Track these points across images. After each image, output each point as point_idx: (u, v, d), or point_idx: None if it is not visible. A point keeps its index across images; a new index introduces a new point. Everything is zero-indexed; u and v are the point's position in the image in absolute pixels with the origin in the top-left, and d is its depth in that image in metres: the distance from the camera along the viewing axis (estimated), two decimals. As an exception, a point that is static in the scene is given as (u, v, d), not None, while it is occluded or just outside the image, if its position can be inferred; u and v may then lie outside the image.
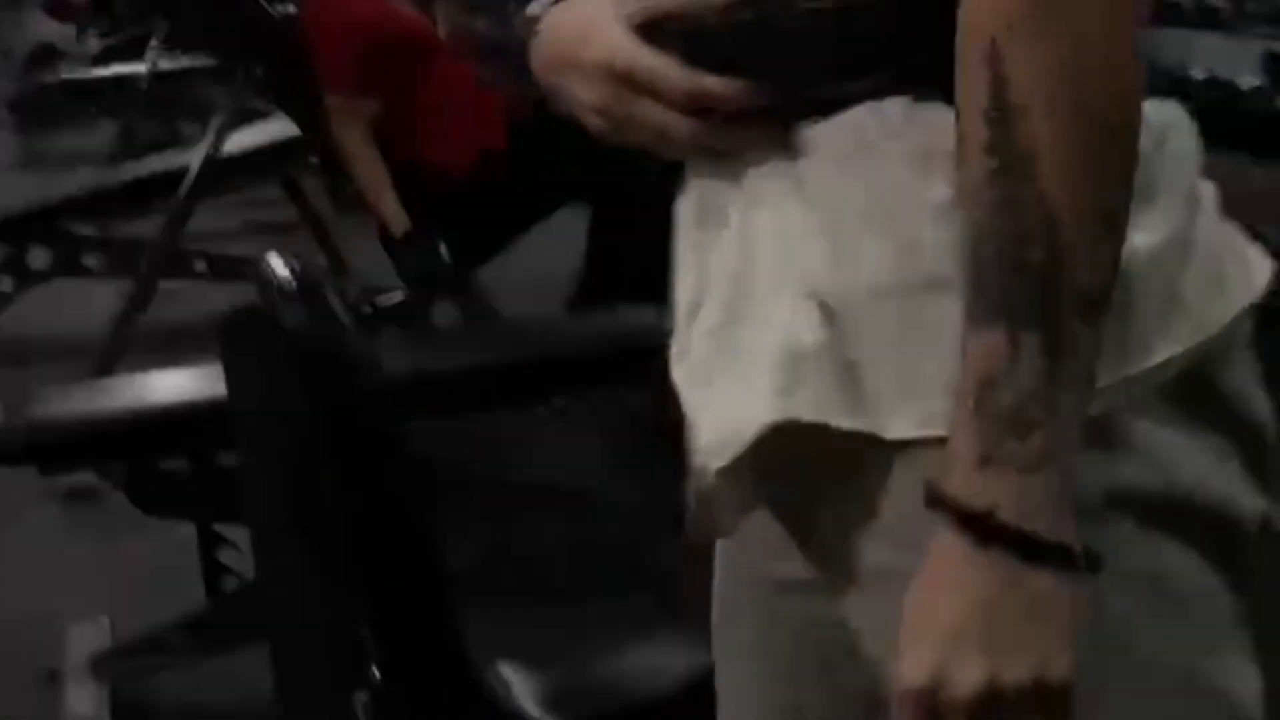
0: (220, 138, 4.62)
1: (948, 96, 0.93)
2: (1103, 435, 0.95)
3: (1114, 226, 0.91)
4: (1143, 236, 0.96)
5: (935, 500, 0.92)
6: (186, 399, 2.65)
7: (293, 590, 2.07)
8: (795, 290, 1.00)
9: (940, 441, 0.93)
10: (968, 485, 0.91)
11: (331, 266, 4.87)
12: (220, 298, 3.61)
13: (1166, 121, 1.01)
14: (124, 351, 4.39)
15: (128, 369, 3.98)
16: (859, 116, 0.99)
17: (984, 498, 0.90)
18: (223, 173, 4.70)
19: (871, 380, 0.98)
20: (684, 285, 1.10)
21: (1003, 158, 0.90)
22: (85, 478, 3.26)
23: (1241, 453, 1.02)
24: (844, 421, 0.98)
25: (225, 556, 2.81)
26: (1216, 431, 1.00)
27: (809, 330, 0.99)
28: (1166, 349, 0.97)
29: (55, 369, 4.46)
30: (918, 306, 0.97)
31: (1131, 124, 0.91)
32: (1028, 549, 0.90)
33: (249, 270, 1.72)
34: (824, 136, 1.00)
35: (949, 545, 0.91)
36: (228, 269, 4.80)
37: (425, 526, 1.77)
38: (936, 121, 0.95)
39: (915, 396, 0.97)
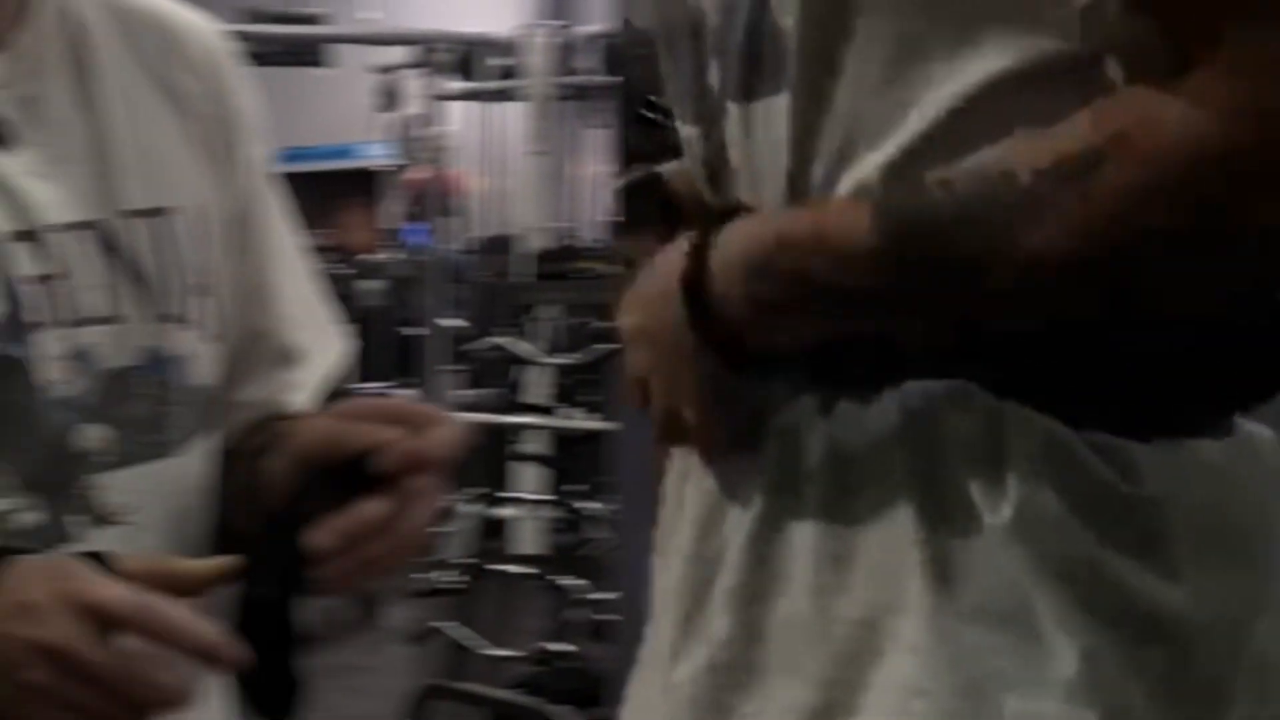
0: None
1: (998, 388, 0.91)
2: None
3: (1069, 292, 0.87)
4: (1246, 604, 0.93)
5: (725, 213, 0.97)
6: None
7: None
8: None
9: None
10: (724, 265, 0.94)
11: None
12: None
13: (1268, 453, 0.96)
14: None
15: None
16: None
17: (721, 282, 0.94)
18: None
19: None
20: (677, 593, 1.04)
21: (1066, 161, 0.85)
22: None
23: None
24: None
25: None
26: None
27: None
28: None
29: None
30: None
31: (1150, 250, 0.85)
32: (701, 328, 0.95)
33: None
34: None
35: (673, 263, 0.96)
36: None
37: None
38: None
39: None
